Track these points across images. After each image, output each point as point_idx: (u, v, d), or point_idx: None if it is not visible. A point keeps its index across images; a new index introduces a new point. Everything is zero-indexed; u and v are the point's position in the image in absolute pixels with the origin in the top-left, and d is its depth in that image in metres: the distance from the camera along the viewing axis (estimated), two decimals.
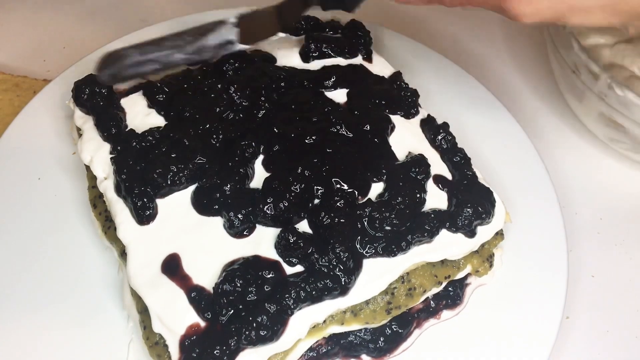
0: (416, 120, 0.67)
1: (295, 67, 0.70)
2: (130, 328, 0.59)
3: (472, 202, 0.59)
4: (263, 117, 0.64)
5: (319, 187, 0.58)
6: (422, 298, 0.59)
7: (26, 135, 0.71)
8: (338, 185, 0.58)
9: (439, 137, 0.65)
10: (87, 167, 0.64)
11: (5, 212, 0.66)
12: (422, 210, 0.59)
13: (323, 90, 0.67)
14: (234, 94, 0.64)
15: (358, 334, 0.59)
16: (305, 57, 0.70)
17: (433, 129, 0.66)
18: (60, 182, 0.68)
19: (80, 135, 0.65)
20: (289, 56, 0.70)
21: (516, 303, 0.63)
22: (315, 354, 0.59)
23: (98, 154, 0.62)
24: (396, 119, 0.66)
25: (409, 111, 0.67)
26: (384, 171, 0.60)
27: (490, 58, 0.91)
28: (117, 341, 0.59)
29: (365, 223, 0.57)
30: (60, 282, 0.62)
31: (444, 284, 0.60)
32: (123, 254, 0.58)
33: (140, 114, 0.64)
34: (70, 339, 0.59)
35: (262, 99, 0.64)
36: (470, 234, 0.59)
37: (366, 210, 0.57)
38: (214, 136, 0.61)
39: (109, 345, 0.59)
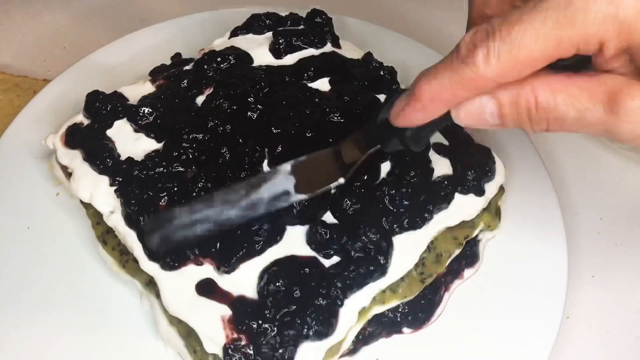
0: None
1: (271, 65, 0.69)
2: (171, 356, 0.58)
3: (475, 163, 0.63)
4: (258, 120, 0.63)
5: None
6: (448, 262, 0.61)
7: (26, 136, 0.71)
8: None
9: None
10: (87, 205, 0.62)
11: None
12: (433, 179, 0.62)
13: (305, 82, 0.68)
14: (222, 104, 0.63)
15: (396, 309, 0.61)
16: (277, 53, 0.70)
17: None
18: (55, 225, 0.66)
19: (68, 173, 0.63)
20: (261, 55, 0.70)
21: (516, 303, 0.63)
22: (361, 337, 0.60)
23: (97, 189, 0.60)
24: (382, 98, 0.67)
25: (391, 88, 0.68)
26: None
27: None
28: None
29: (387, 202, 0.59)
30: (84, 322, 0.60)
31: (463, 244, 0.62)
32: (149, 284, 0.58)
33: (129, 140, 0.63)
34: None
35: (251, 102, 0.64)
36: (480, 192, 0.62)
37: (384, 189, 0.59)
38: (218, 150, 0.60)
39: None
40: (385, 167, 0.61)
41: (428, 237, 0.59)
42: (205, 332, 0.53)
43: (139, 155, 0.61)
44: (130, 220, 0.58)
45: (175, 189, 0.58)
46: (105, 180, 0.60)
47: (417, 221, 0.59)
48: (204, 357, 0.54)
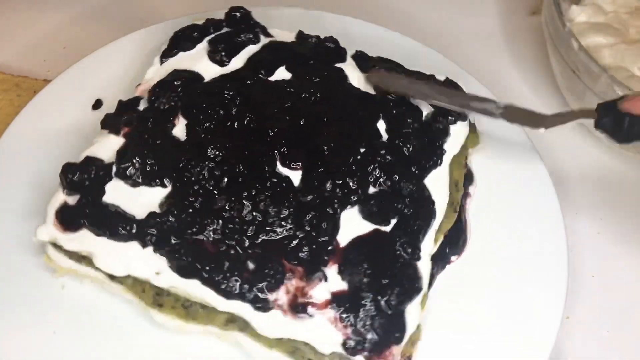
0: (350, 61, 0.70)
1: (224, 74, 0.68)
2: None
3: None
4: (249, 129, 0.63)
5: (353, 156, 0.62)
6: (461, 186, 0.67)
7: (27, 136, 0.71)
8: (362, 147, 0.62)
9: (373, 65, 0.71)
10: (121, 279, 0.59)
11: None
12: (424, 120, 0.66)
13: (266, 78, 0.68)
14: (209, 127, 0.63)
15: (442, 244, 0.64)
16: (221, 61, 0.69)
17: (364, 61, 0.71)
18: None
19: (81, 257, 0.60)
20: (206, 68, 0.68)
21: (516, 303, 0.63)
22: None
23: (132, 258, 0.57)
24: (339, 66, 0.69)
25: (341, 54, 0.70)
26: (375, 109, 0.65)
27: (490, 58, 0.91)
28: None
29: (406, 152, 0.63)
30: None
31: (465, 165, 0.69)
32: (227, 323, 0.58)
33: (132, 197, 0.60)
34: None
35: (233, 114, 0.63)
36: (464, 117, 0.68)
37: (398, 142, 0.63)
38: (234, 170, 0.60)
39: None
40: (382, 126, 0.65)
41: (446, 169, 0.64)
42: (318, 338, 0.55)
43: (153, 207, 0.59)
44: (186, 270, 0.56)
45: (219, 221, 0.57)
46: (134, 245, 0.58)
47: (435, 159, 0.64)
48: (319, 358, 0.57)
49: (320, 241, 0.57)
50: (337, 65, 0.69)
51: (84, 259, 0.60)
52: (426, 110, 0.67)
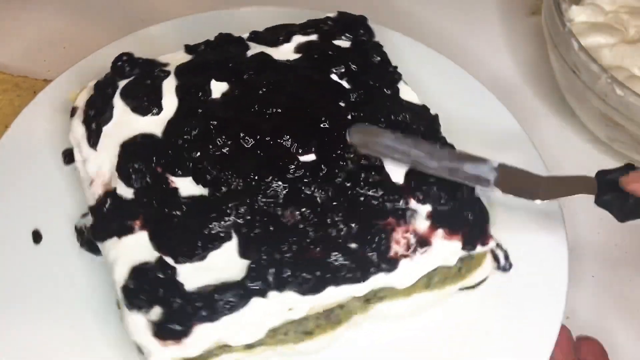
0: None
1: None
2: None
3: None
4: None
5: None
6: None
7: (27, 136, 0.71)
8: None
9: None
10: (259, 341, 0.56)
11: None
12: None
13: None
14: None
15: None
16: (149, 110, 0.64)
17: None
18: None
19: (210, 352, 0.55)
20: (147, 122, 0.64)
21: (516, 303, 0.63)
22: None
23: (263, 318, 0.55)
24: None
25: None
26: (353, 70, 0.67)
27: (490, 58, 0.91)
28: None
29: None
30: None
31: None
32: (365, 303, 0.60)
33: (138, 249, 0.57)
34: None
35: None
36: None
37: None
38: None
39: None
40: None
41: None
42: (445, 257, 0.60)
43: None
44: (319, 286, 0.55)
45: (293, 240, 0.56)
46: (257, 302, 0.55)
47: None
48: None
49: (391, 191, 0.59)
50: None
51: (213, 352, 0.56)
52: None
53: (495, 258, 0.65)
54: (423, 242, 0.58)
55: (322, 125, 0.62)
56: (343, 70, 0.67)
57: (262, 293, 0.54)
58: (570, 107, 0.82)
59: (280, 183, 0.58)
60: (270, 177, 0.58)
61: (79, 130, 0.65)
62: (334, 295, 0.56)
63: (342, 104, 0.65)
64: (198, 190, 0.59)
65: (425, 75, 0.77)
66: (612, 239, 0.74)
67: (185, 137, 0.61)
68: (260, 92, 0.64)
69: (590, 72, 0.72)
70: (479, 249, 0.60)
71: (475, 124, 0.74)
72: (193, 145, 0.60)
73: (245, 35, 0.71)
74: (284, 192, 0.58)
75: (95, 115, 0.64)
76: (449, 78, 0.79)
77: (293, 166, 0.59)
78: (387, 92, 0.67)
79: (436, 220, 0.59)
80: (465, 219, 0.60)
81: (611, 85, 0.70)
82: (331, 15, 0.74)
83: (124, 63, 0.67)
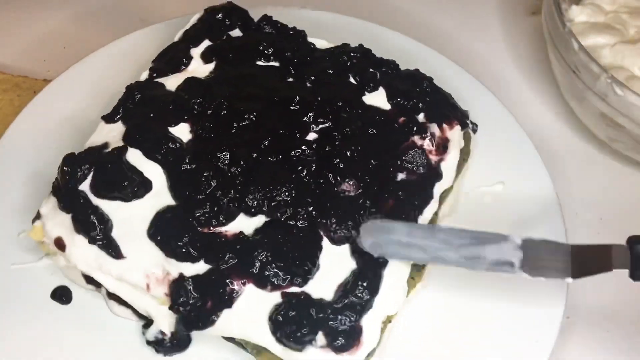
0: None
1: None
2: None
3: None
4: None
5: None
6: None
7: (26, 136, 0.71)
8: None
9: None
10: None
11: None
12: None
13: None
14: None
15: None
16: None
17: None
18: None
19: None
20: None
21: (516, 303, 0.63)
22: None
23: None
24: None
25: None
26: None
27: (490, 58, 0.91)
28: None
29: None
30: None
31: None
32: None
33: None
34: None
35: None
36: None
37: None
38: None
39: None
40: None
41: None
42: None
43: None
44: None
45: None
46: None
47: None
48: None
49: (391, 121, 0.67)
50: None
51: None
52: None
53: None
54: (443, 140, 0.66)
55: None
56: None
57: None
58: (570, 107, 0.82)
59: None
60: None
61: (84, 257, 0.58)
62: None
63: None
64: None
65: None
66: (612, 239, 0.73)
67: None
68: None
69: (590, 72, 0.72)
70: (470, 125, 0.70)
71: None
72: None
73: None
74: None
75: (92, 229, 0.57)
76: (447, 77, 0.79)
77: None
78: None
79: (432, 119, 0.67)
80: (451, 107, 0.69)
81: (611, 85, 0.70)
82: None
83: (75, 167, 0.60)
